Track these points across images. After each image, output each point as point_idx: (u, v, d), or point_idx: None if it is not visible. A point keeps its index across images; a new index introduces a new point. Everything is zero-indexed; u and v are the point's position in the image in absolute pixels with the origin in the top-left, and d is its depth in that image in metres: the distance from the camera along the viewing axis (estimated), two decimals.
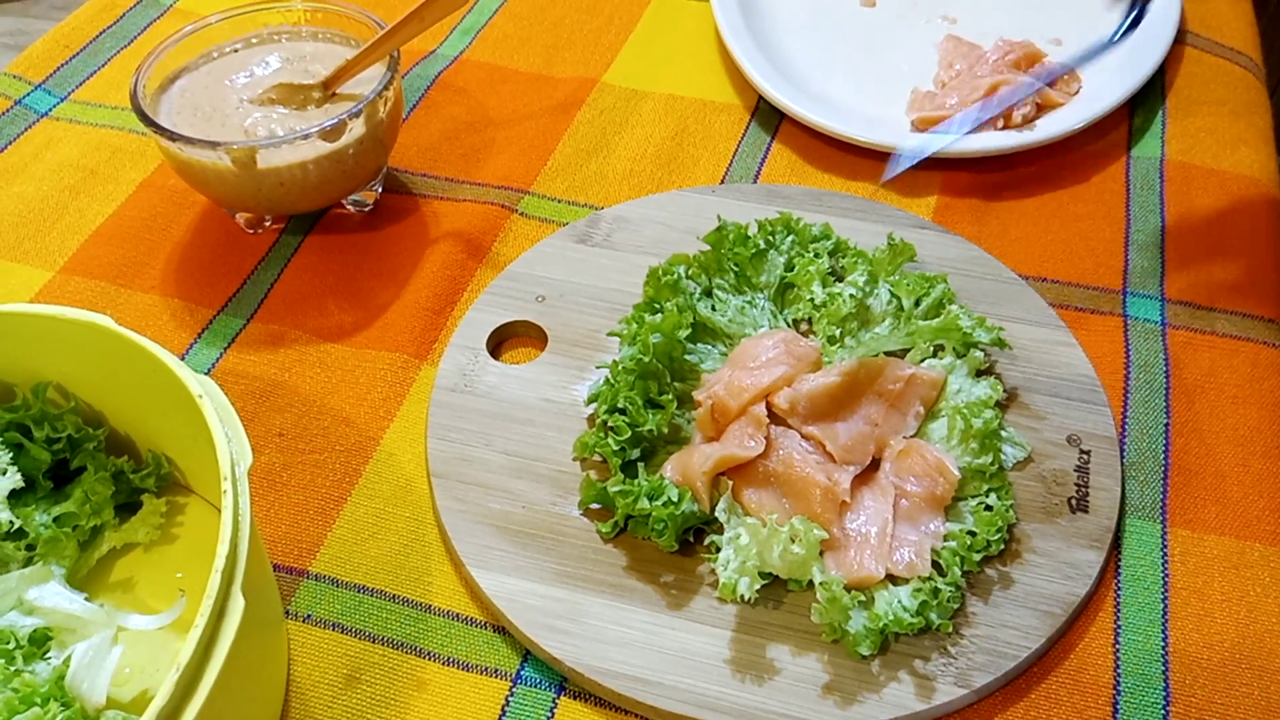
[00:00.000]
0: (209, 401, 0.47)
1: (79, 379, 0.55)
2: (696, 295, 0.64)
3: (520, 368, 0.64)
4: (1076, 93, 0.80)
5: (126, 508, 0.57)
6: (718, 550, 0.53)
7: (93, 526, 0.55)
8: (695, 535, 0.56)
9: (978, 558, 0.53)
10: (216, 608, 0.41)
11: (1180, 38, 0.85)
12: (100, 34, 0.89)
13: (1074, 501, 0.57)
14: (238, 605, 0.41)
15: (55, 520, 0.54)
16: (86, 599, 0.52)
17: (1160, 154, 0.77)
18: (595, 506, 0.57)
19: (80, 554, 0.55)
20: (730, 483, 0.55)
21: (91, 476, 0.55)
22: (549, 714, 0.51)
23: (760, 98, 0.82)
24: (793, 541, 0.51)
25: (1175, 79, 0.83)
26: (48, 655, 0.50)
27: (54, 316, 0.51)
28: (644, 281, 0.64)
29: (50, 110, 0.83)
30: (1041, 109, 0.78)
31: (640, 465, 0.57)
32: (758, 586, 0.51)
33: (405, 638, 0.54)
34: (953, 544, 0.53)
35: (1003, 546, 0.54)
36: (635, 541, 0.56)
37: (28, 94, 0.84)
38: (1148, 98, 0.81)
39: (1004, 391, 0.60)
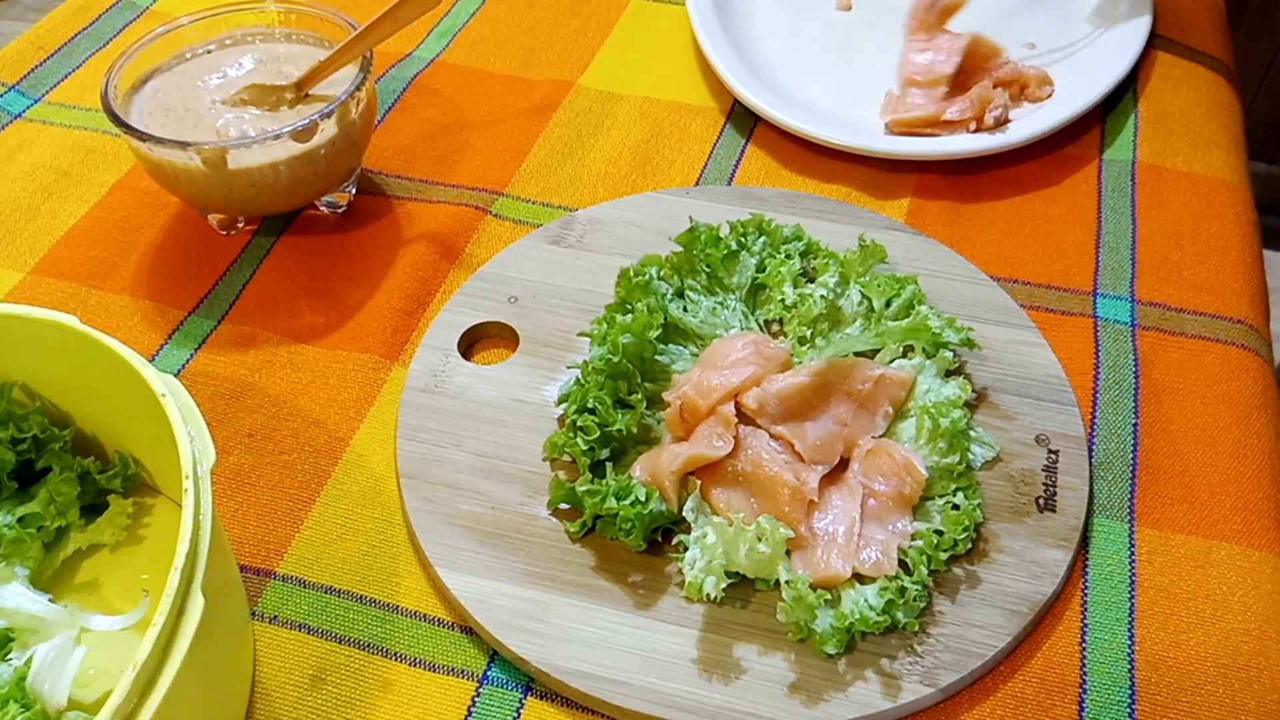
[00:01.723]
0: (172, 400, 0.47)
1: (45, 379, 0.55)
2: (668, 296, 0.64)
3: (491, 368, 0.64)
4: (1049, 96, 0.80)
5: (93, 508, 0.57)
6: (685, 550, 0.53)
7: (58, 527, 0.55)
8: (664, 535, 0.56)
9: (945, 557, 0.53)
10: (175, 607, 0.40)
11: (1152, 41, 0.86)
12: (75, 36, 0.89)
13: (1042, 501, 0.57)
14: (197, 604, 0.41)
15: (20, 521, 0.53)
16: (50, 600, 0.52)
17: (1132, 156, 0.78)
18: (564, 506, 0.57)
19: (45, 555, 0.55)
20: (699, 482, 0.55)
21: (57, 477, 0.55)
22: (515, 714, 0.51)
23: (735, 101, 0.82)
24: (759, 540, 0.51)
25: (1147, 82, 0.84)
26: (9, 656, 0.49)
27: (18, 316, 0.51)
28: (616, 282, 0.64)
29: (24, 112, 0.82)
30: (1013, 101, 0.78)
31: (609, 465, 0.57)
32: (724, 586, 0.51)
33: (372, 638, 0.54)
34: (920, 543, 0.53)
35: (970, 545, 0.54)
36: (603, 541, 0.56)
37: (1, 95, 0.83)
38: (1120, 101, 0.82)
39: (973, 391, 0.60)
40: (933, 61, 0.80)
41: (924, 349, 0.61)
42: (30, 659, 0.48)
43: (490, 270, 0.69)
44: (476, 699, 0.52)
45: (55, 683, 0.48)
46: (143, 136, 0.64)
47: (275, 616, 0.54)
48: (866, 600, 0.51)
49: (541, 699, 0.52)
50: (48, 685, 0.48)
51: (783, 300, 0.63)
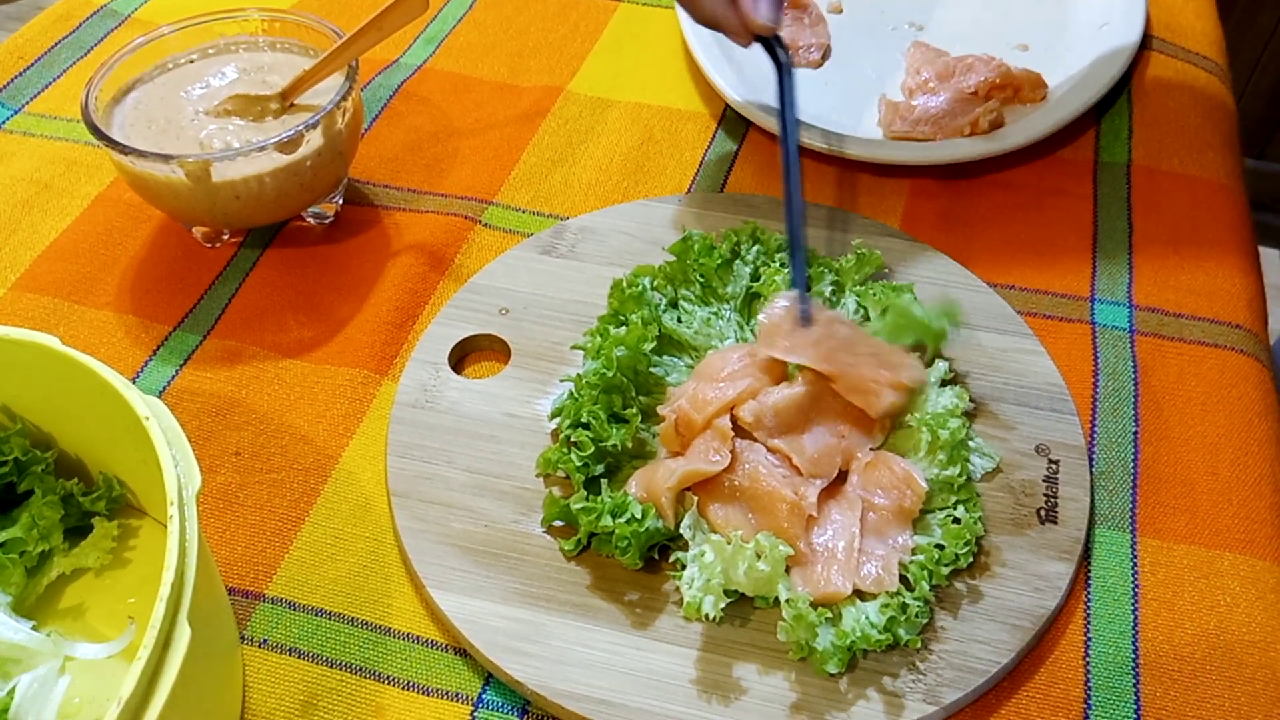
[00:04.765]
0: (156, 424, 0.45)
1: (26, 400, 0.54)
2: (662, 307, 0.63)
3: (483, 382, 0.63)
4: (1043, 98, 0.79)
5: (77, 531, 0.55)
6: (683, 567, 0.52)
7: (41, 552, 0.54)
8: (660, 552, 0.55)
9: (946, 571, 0.52)
10: (161, 639, 0.39)
11: (1146, 43, 0.85)
12: (55, 45, 0.87)
13: (1043, 512, 0.56)
14: (184, 635, 0.40)
15: (1, 546, 0.52)
16: (34, 627, 0.50)
17: (1127, 159, 0.77)
18: (558, 524, 0.56)
19: (28, 580, 0.53)
20: (695, 498, 0.54)
21: (39, 500, 0.54)
22: None
23: (727, 106, 0.81)
24: (758, 558, 0.50)
25: (1141, 84, 0.83)
26: None
27: None
28: (608, 293, 0.63)
29: (3, 123, 0.81)
30: (1006, 105, 0.78)
31: (604, 481, 0.56)
32: (723, 605, 0.50)
33: (364, 662, 0.53)
34: (921, 558, 0.53)
35: (971, 559, 0.53)
36: (599, 559, 0.55)
37: None
38: (1114, 103, 0.81)
39: (971, 401, 0.59)
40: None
41: (921, 358, 0.60)
42: (13, 690, 0.47)
43: (480, 281, 0.68)
44: None
45: (39, 714, 0.47)
46: (124, 150, 0.63)
47: (265, 640, 0.53)
48: (868, 617, 0.51)
49: None
50: (31, 717, 0.46)
51: None
